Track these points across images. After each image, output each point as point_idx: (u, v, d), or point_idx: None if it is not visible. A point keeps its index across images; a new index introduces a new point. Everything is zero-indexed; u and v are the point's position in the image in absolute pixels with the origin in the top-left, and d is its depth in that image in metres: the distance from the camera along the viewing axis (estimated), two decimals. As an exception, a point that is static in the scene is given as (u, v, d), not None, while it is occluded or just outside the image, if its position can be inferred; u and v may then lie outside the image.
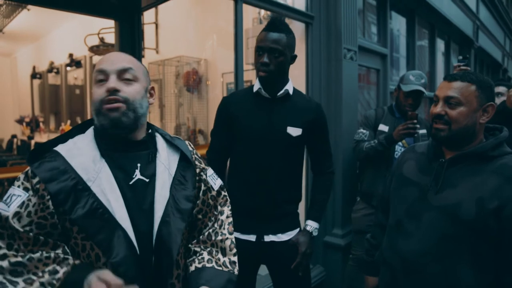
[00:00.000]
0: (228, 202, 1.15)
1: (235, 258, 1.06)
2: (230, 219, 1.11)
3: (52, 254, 0.84)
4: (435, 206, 1.11)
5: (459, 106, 1.09)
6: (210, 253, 1.04)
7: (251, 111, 1.51)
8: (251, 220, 1.52)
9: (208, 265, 1.01)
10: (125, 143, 0.95)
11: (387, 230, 1.28)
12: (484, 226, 1.02)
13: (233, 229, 1.11)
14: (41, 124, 6.61)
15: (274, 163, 1.48)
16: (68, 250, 0.87)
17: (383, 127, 2.25)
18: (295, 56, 1.51)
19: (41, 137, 6.46)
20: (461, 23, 5.42)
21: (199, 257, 1.03)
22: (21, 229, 0.82)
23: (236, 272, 1.03)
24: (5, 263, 0.79)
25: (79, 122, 5.56)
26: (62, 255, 0.85)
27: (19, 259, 0.80)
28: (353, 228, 2.46)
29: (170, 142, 1.05)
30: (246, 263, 1.54)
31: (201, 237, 1.07)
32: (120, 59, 0.93)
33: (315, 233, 1.57)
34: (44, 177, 0.85)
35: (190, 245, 1.06)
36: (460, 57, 1.77)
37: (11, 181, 5.05)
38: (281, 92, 1.49)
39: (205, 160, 1.63)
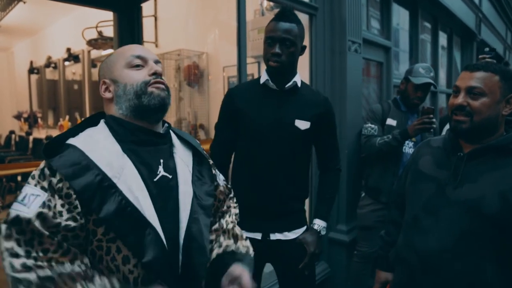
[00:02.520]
0: (233, 194, 1.16)
1: (247, 243, 1.07)
2: (237, 211, 1.15)
3: (81, 267, 0.75)
4: (454, 201, 1.07)
5: (482, 97, 1.05)
6: (225, 239, 1.05)
7: (258, 103, 1.46)
8: (257, 217, 1.47)
9: (232, 247, 1.02)
10: (149, 135, 0.91)
11: (403, 226, 1.24)
12: (507, 220, 0.99)
13: (238, 220, 1.14)
14: (39, 120, 6.55)
15: (281, 158, 1.43)
16: (88, 264, 0.79)
17: (391, 122, 2.21)
18: (305, 47, 1.46)
19: (39, 133, 6.41)
20: (464, 16, 5.36)
21: (218, 243, 1.03)
22: (46, 232, 0.74)
23: (252, 254, 1.05)
24: (32, 276, 0.70)
25: (78, 117, 5.52)
26: (90, 272, 0.77)
27: (49, 273, 0.72)
28: (359, 224, 2.42)
29: (181, 138, 1.02)
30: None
31: (212, 227, 1.06)
32: (150, 51, 0.96)
33: (323, 232, 1.52)
34: (67, 174, 0.77)
35: None
36: (487, 49, 1.71)
37: (9, 178, 5.00)
38: (290, 84, 1.44)
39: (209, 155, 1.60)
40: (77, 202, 0.77)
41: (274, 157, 1.43)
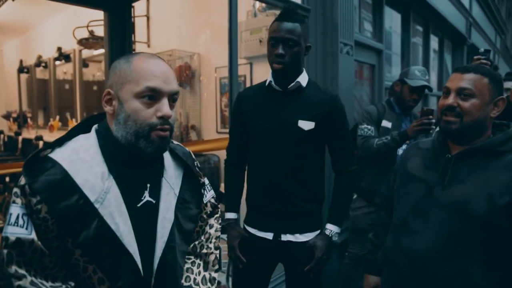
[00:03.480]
0: (218, 214, 1.12)
1: (215, 275, 1.04)
2: (218, 233, 1.10)
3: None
4: (442, 202, 1.07)
5: (472, 98, 1.06)
6: (191, 266, 1.01)
7: (261, 105, 1.47)
8: (268, 217, 1.47)
9: (185, 283, 0.98)
10: (139, 160, 0.86)
11: (391, 228, 1.23)
12: (495, 222, 1.00)
13: (219, 244, 1.09)
14: (29, 120, 6.46)
15: (286, 159, 1.42)
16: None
17: (386, 123, 2.20)
18: (310, 47, 1.45)
19: (29, 133, 6.32)
20: (455, 20, 5.43)
21: (188, 276, 1.00)
22: (47, 251, 0.74)
23: None
24: None
25: (68, 118, 5.46)
26: None
27: None
28: (351, 227, 2.42)
29: (174, 154, 0.97)
30: (262, 260, 1.51)
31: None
32: (171, 77, 0.84)
33: (334, 238, 1.48)
34: (47, 197, 0.74)
35: None
36: (482, 50, 1.70)
37: (-3, 178, 4.91)
38: (292, 84, 1.43)
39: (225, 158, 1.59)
40: (54, 226, 0.76)
41: (278, 157, 1.42)
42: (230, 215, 1.54)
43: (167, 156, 0.95)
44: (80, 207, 0.76)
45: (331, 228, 1.49)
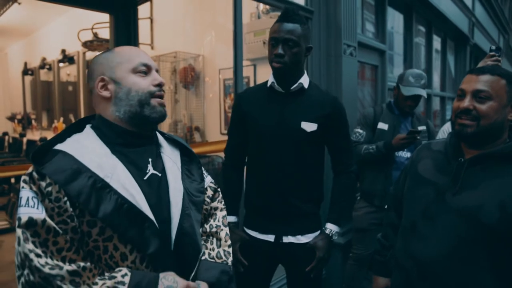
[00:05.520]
0: (220, 197, 1.17)
1: (229, 249, 1.08)
2: (224, 213, 1.14)
3: (93, 265, 0.79)
4: (453, 207, 1.04)
5: (488, 101, 1.01)
6: (204, 243, 1.06)
7: (264, 106, 1.46)
8: (269, 220, 1.47)
9: (202, 258, 1.02)
10: (137, 137, 0.93)
11: (400, 231, 1.21)
12: (505, 230, 0.97)
13: (227, 221, 1.14)
14: (33, 121, 6.51)
15: (288, 161, 1.42)
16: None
17: (382, 125, 2.22)
18: (311, 48, 1.45)
19: (33, 135, 6.36)
20: (457, 20, 5.42)
21: None
22: (60, 231, 0.76)
23: (230, 262, 1.05)
24: (63, 272, 0.73)
25: (72, 119, 5.49)
26: (96, 269, 0.79)
27: (75, 267, 0.75)
28: (354, 227, 2.43)
29: (168, 138, 1.05)
30: (264, 262, 1.51)
31: None
32: (151, 58, 0.99)
33: (335, 237, 1.50)
34: (59, 179, 0.77)
35: None
36: (494, 47, 1.68)
37: (2, 180, 4.95)
38: (295, 85, 1.43)
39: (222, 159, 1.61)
40: (67, 205, 0.78)
41: (280, 160, 1.43)
42: (229, 218, 1.51)
43: (161, 138, 1.02)
44: (92, 184, 0.80)
45: (331, 228, 1.50)
